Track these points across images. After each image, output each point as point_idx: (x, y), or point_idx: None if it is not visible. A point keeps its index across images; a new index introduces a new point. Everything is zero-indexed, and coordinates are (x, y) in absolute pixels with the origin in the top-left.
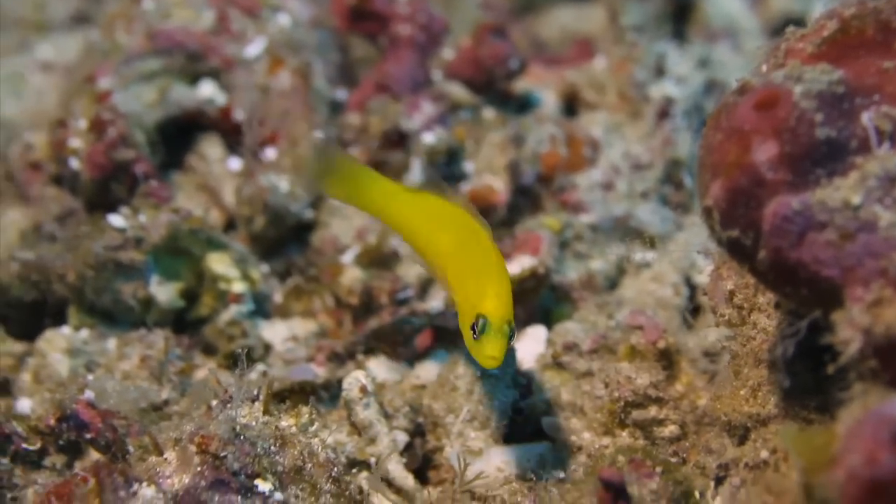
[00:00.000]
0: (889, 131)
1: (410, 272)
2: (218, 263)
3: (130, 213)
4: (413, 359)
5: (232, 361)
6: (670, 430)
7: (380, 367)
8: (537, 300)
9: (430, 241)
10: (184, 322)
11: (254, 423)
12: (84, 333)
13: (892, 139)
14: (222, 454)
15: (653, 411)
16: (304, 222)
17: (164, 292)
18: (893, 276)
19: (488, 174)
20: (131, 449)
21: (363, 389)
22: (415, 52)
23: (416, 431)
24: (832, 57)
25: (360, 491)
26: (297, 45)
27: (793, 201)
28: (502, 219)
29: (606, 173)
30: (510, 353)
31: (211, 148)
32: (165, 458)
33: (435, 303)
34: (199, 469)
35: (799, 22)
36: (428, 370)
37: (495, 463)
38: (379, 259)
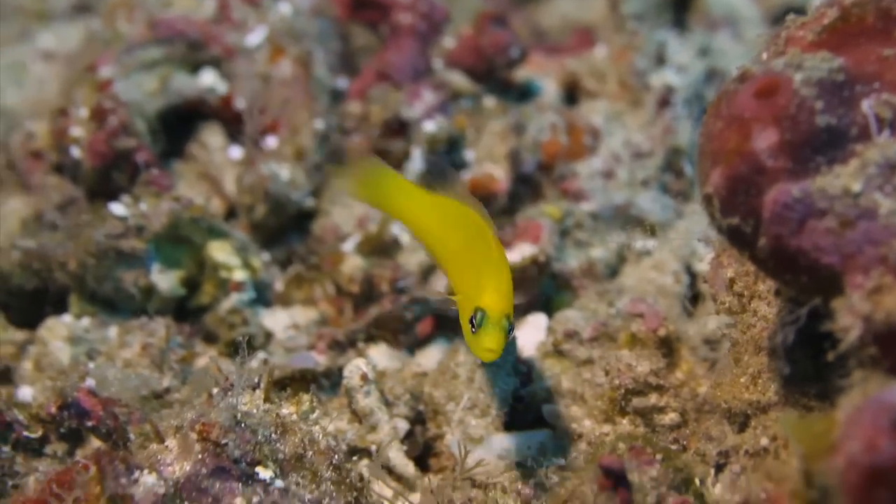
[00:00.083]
0: (889, 119)
1: (411, 260)
2: (219, 252)
3: (131, 202)
4: (414, 347)
5: (233, 349)
6: (671, 417)
7: (380, 355)
8: (538, 288)
9: (440, 242)
10: (185, 310)
11: (255, 411)
12: (85, 321)
13: (893, 127)
14: (223, 442)
15: (653, 399)
16: (304, 210)
17: (166, 280)
18: (893, 263)
19: (489, 162)
20: (132, 436)
21: (364, 377)
22: (416, 41)
23: (417, 419)
24: (832, 45)
25: (361, 478)
26: (298, 34)
27: (793, 189)
28: (503, 207)
29: (607, 161)
30: (511, 343)
31: (212, 136)
32: (166, 446)
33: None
34: (200, 456)
35: (799, 10)
36: (429, 358)
37: (496, 450)
38: (380, 247)
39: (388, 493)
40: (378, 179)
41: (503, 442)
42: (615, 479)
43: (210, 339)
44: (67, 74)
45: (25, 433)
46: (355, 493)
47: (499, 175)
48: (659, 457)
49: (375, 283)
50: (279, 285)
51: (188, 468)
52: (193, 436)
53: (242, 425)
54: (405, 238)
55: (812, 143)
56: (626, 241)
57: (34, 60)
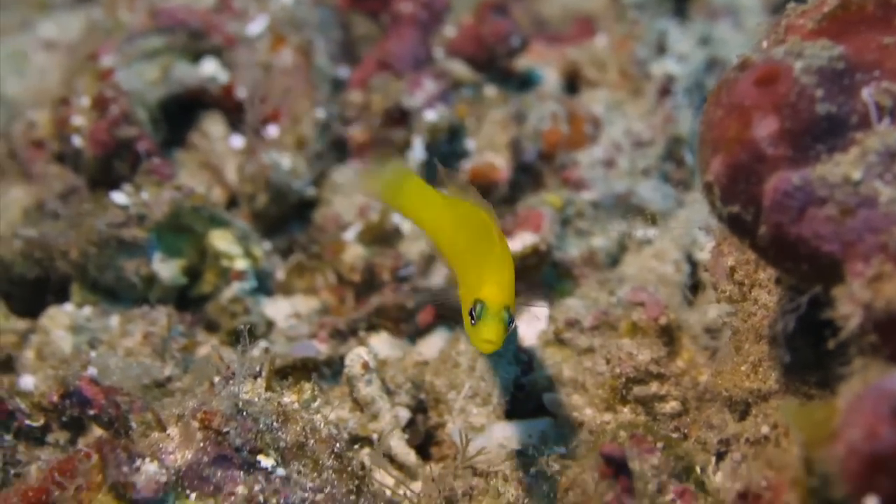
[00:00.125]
0: (889, 107)
1: (412, 249)
2: (220, 240)
3: (133, 191)
4: (415, 335)
5: (234, 338)
6: (671, 405)
7: (382, 344)
8: (539, 277)
9: (450, 242)
10: (186, 299)
11: (256, 400)
12: (87, 310)
13: (893, 115)
14: (225, 430)
15: (654, 387)
16: (306, 199)
17: (167, 269)
18: (894, 251)
19: (490, 151)
20: (134, 425)
21: (365, 366)
22: (416, 30)
23: (418, 408)
24: (833, 33)
25: (363, 467)
26: (299, 23)
27: (793, 177)
28: (504, 196)
29: (608, 150)
30: (512, 332)
31: (213, 125)
32: (168, 434)
33: (436, 280)
34: (201, 445)
35: None
36: (430, 346)
37: (497, 439)
38: (381, 236)
39: (390, 481)
40: (401, 183)
41: (504, 430)
42: (616, 467)
43: (211, 327)
44: (69, 63)
45: (27, 422)
46: (357, 482)
47: (500, 164)
48: (660, 445)
49: (377, 271)
50: (280, 274)
51: (190, 456)
52: (195, 424)
53: (244, 414)
54: (406, 227)
55: (812, 131)
56: (626, 230)
57: (35, 50)
